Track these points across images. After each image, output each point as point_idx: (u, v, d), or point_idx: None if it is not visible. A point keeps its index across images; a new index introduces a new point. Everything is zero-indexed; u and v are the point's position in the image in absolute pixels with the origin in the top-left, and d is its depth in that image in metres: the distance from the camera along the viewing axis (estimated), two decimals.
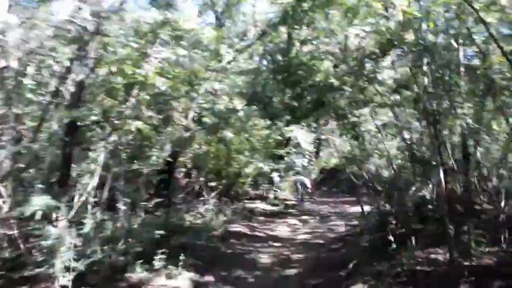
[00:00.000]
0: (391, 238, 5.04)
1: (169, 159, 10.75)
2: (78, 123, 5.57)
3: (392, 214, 6.77)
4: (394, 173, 8.59)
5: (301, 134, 14.38)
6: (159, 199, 9.18)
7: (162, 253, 4.57)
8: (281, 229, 8.59)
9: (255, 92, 5.53)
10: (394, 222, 6.56)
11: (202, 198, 9.78)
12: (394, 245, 4.85)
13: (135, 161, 8.62)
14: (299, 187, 15.02)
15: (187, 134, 11.60)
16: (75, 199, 5.81)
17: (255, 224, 9.00)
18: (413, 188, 7.02)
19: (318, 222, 9.62)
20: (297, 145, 17.20)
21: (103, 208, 5.45)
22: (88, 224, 3.82)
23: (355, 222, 9.30)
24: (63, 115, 4.95)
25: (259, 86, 5.58)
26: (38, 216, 3.26)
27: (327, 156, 22.63)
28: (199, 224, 8.12)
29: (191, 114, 7.71)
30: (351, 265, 4.81)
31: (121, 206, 6.72)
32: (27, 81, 5.44)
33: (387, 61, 6.43)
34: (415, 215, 5.82)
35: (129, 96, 6.01)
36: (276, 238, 7.56)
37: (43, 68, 5.24)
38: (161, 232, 4.78)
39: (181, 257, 5.01)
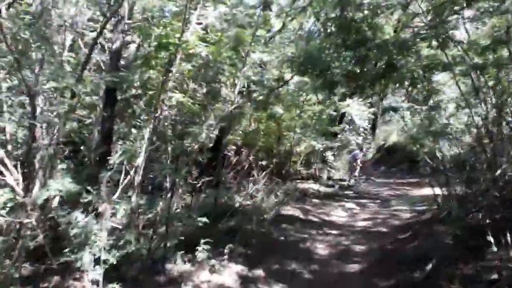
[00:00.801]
0: (482, 232, 4.07)
1: (216, 136, 10.38)
2: (118, 96, 5.12)
3: (472, 200, 5.69)
4: (473, 152, 7.35)
5: (356, 109, 13.28)
6: (208, 178, 8.85)
7: (206, 242, 4.03)
8: (338, 214, 7.80)
9: (309, 58, 4.67)
10: (475, 209, 5.52)
11: (252, 178, 9.23)
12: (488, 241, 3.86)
13: (181, 139, 8.26)
14: (356, 165, 13.99)
15: (235, 110, 11.15)
16: (121, 181, 5.52)
17: (309, 207, 8.29)
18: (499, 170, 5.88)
19: (378, 207, 8.69)
20: (351, 121, 16.08)
21: (141, 191, 5.07)
22: (122, 210, 3.35)
23: (422, 208, 8.24)
24: (102, 81, 4.49)
25: (314, 52, 4.71)
26: (55, 202, 2.84)
27: (384, 133, 21.08)
28: (249, 206, 7.59)
29: (238, 87, 6.99)
30: (429, 265, 3.93)
31: (165, 187, 6.49)
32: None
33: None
34: (506, 202, 4.72)
35: (171, 67, 5.44)
36: (332, 224, 6.81)
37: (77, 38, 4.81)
38: (204, 220, 4.19)
39: (229, 246, 4.47)
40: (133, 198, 3.63)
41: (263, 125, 12.33)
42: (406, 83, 4.96)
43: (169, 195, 4.23)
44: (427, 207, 8.26)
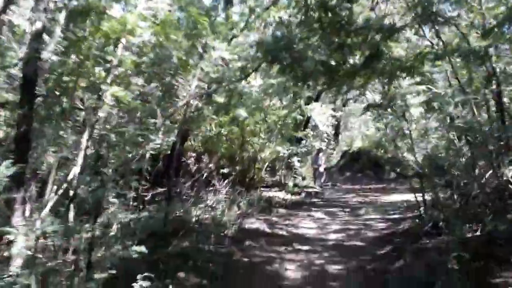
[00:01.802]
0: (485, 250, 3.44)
1: (173, 142, 9.42)
2: (37, 90, 4.07)
3: (464, 209, 5.11)
4: (454, 156, 6.89)
5: (321, 113, 12.79)
6: (161, 190, 7.83)
7: (145, 277, 3.07)
8: (307, 225, 7.08)
9: (279, 43, 3.91)
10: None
11: (212, 188, 8.32)
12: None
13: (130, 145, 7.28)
14: (321, 172, 13.45)
15: (194, 113, 10.21)
16: (47, 193, 4.44)
17: (275, 219, 7.51)
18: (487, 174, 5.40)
19: (348, 216, 8.08)
20: (315, 127, 15.62)
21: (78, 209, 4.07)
22: (20, 240, 2.36)
23: (395, 216, 7.73)
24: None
25: (285, 38, 3.98)
26: None
27: (348, 139, 20.91)
28: (208, 220, 6.69)
29: (194, 84, 6.11)
30: None
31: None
32: None
33: None
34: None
35: (111, 56, 4.47)
36: (302, 239, 6.05)
37: None
38: (141, 249, 3.19)
39: (178, 276, 3.55)
40: (38, 223, 2.63)
41: (225, 130, 11.50)
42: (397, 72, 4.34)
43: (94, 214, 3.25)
44: (400, 215, 7.76)
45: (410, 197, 10.22)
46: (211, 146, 11.44)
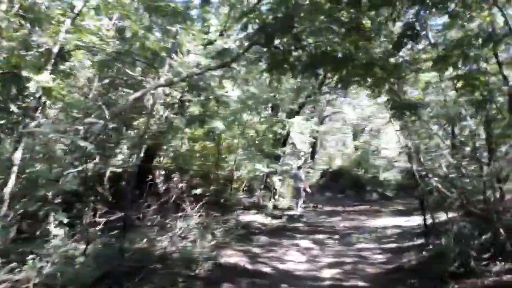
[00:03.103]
0: None
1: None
2: None
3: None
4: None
5: (302, 129, 11.94)
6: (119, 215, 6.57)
7: None
8: (294, 258, 6.01)
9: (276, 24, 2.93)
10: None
11: (182, 213, 7.11)
12: None
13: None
14: (301, 192, 12.46)
15: (164, 126, 9.03)
16: None
17: (257, 250, 6.40)
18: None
19: (338, 244, 7.09)
20: (292, 145, 14.75)
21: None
22: None
23: (391, 245, 6.80)
24: None
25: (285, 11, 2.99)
26: None
27: (327, 157, 20.20)
28: (177, 253, 5.49)
29: (162, 80, 5.02)
30: None
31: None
32: None
33: None
34: None
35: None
36: (292, 278, 4.97)
37: None
38: None
39: None
40: None
41: (199, 146, 10.36)
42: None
43: None
44: (396, 243, 6.85)
45: (399, 221, 9.46)
46: (183, 164, 10.25)
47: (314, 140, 19.80)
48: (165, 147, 9.93)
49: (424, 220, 6.18)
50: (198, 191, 9.46)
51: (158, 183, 10.96)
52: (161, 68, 5.40)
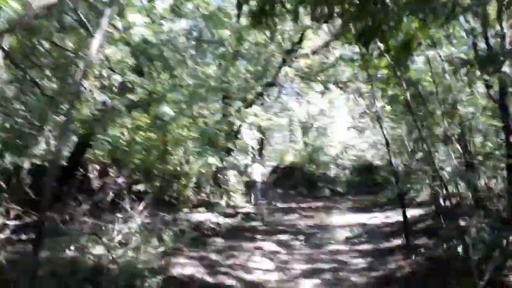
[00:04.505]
0: None
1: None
2: None
3: None
4: None
5: (261, 120, 11.10)
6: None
7: None
8: (260, 265, 5.11)
9: None
10: None
11: (122, 213, 5.85)
12: None
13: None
14: (258, 188, 11.64)
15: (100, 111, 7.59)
16: None
17: (214, 256, 5.40)
18: None
19: (307, 247, 6.33)
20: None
21: None
22: None
23: (365, 246, 6.18)
24: None
25: None
26: None
27: (277, 153, 19.63)
28: (116, 264, 4.32)
29: (95, 47, 3.77)
30: None
31: None
32: None
33: None
34: None
35: None
36: None
37: None
38: None
39: None
40: None
41: (141, 136, 8.99)
42: None
43: None
44: (370, 244, 6.24)
45: (361, 218, 9.00)
46: (122, 157, 8.86)
47: (262, 137, 19.20)
48: (100, 136, 8.46)
49: (405, 218, 5.61)
50: (140, 187, 8.20)
51: (92, 179, 9.46)
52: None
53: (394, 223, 7.56)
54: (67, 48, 6.43)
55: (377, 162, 18.88)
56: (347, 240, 6.63)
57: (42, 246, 3.59)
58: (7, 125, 6.81)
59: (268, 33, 8.14)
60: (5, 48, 5.10)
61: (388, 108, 6.63)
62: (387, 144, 6.02)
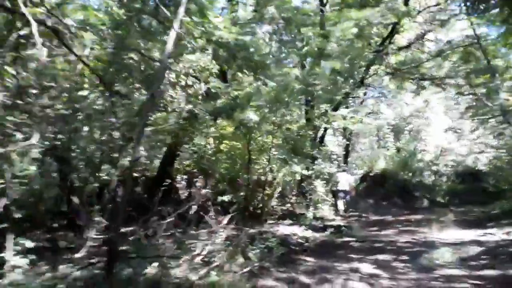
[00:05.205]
0: None
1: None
2: None
3: None
4: None
5: (349, 124, 10.17)
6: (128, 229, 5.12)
7: None
8: None
9: None
10: None
11: (207, 227, 5.56)
12: None
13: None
14: (344, 198, 10.71)
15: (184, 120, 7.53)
16: None
17: (305, 279, 4.78)
18: None
19: (413, 270, 5.30)
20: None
21: None
22: None
23: (492, 272, 4.97)
24: None
25: None
26: None
27: (367, 159, 18.23)
28: (199, 285, 3.95)
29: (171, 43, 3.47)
30: None
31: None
32: None
33: None
34: None
35: None
36: None
37: None
38: None
39: None
40: None
41: (225, 145, 8.80)
42: None
43: None
44: (497, 270, 5.00)
45: (472, 234, 7.56)
46: (208, 166, 8.74)
47: (348, 142, 18.02)
48: (186, 146, 8.48)
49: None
50: (226, 198, 7.94)
51: (179, 189, 9.57)
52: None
53: None
54: (153, 57, 6.44)
55: (483, 167, 16.46)
56: (463, 262, 5.45)
57: (113, 267, 3.32)
58: (104, 137, 7.10)
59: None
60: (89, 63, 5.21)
61: None
62: None
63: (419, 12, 9.38)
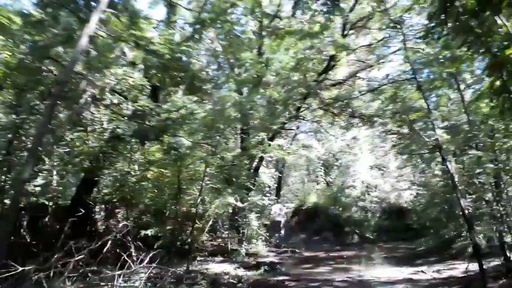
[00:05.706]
0: None
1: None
2: None
3: None
4: None
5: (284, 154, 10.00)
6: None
7: None
8: None
9: None
10: None
11: (127, 266, 4.66)
12: None
13: None
14: (279, 232, 10.36)
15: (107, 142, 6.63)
16: None
17: None
18: None
19: None
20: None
21: None
22: None
23: None
24: None
25: None
26: None
27: (300, 193, 18.30)
28: None
29: None
30: None
31: None
32: None
33: None
34: None
35: None
36: None
37: None
38: None
39: None
40: None
41: (152, 172, 7.91)
42: None
43: None
44: None
45: (404, 272, 7.52)
46: (130, 195, 7.72)
47: (280, 175, 17.98)
48: (107, 172, 7.45)
49: (482, 271, 4.29)
50: (150, 232, 7.06)
51: (96, 221, 8.35)
52: None
53: (453, 280, 6.18)
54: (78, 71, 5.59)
55: (406, 204, 17.35)
56: None
57: None
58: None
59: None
60: None
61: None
62: (453, 181, 4.84)
63: (355, 49, 9.74)
